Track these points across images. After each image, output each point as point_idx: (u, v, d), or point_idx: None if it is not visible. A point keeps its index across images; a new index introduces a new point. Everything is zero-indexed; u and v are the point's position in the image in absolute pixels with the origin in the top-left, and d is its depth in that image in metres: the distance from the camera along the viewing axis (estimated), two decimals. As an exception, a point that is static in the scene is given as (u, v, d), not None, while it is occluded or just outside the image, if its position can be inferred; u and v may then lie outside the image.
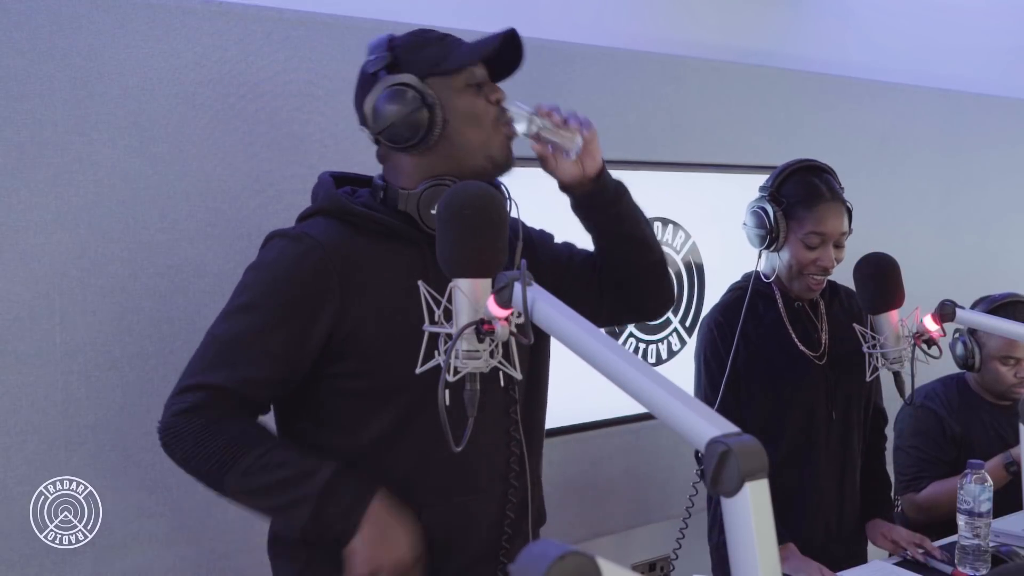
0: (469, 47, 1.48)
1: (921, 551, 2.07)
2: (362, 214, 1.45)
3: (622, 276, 1.63)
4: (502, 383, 1.50)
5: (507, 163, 1.51)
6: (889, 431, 2.45)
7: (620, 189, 1.61)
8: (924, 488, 2.49)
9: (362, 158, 2.10)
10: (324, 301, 1.40)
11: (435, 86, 1.43)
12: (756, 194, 2.17)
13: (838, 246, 2.09)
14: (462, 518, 1.50)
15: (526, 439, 1.55)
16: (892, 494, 2.52)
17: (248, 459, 1.34)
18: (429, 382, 1.30)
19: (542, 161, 1.54)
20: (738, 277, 2.27)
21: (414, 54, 1.45)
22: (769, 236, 2.09)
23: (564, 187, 1.58)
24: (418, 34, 1.51)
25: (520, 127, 1.48)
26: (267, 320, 1.40)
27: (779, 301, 2.16)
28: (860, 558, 2.19)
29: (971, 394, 2.62)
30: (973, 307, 2.53)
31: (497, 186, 1.51)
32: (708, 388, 2.15)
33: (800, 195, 2.08)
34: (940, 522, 2.32)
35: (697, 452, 2.19)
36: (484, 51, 1.47)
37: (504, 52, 1.48)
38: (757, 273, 2.18)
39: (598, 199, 1.57)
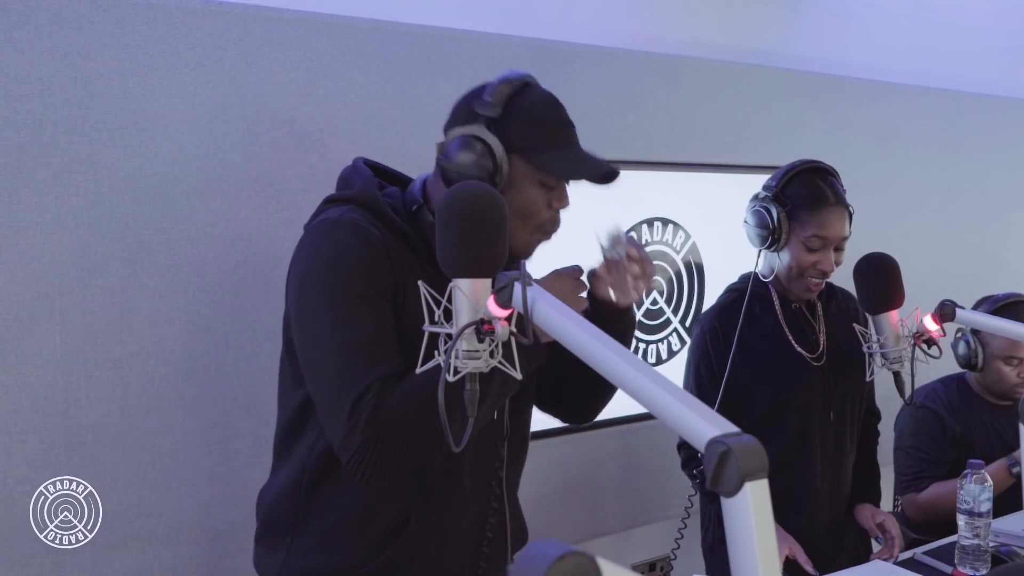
0: (565, 161, 1.46)
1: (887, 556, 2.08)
2: (392, 221, 1.45)
3: (577, 386, 1.66)
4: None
5: (525, 257, 1.51)
6: (887, 431, 2.45)
7: (632, 319, 1.61)
8: (925, 488, 2.49)
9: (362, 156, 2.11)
10: (394, 286, 1.40)
11: (515, 163, 1.43)
12: (756, 193, 2.17)
13: (838, 250, 2.09)
14: (445, 529, 1.51)
15: (511, 458, 1.57)
16: (893, 493, 2.53)
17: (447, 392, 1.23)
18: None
19: (595, 276, 1.54)
20: (736, 278, 2.27)
21: (521, 126, 1.43)
22: (771, 237, 2.09)
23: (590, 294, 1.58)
24: (541, 107, 1.47)
25: (606, 244, 1.51)
26: (382, 306, 1.39)
27: (776, 303, 2.16)
28: (854, 557, 2.19)
29: (972, 394, 2.62)
30: (976, 307, 2.53)
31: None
32: (696, 394, 2.15)
33: (804, 197, 2.08)
34: (941, 522, 2.32)
35: (679, 446, 2.20)
36: (575, 174, 1.48)
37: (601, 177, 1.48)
38: (755, 274, 2.18)
39: (610, 318, 1.56)
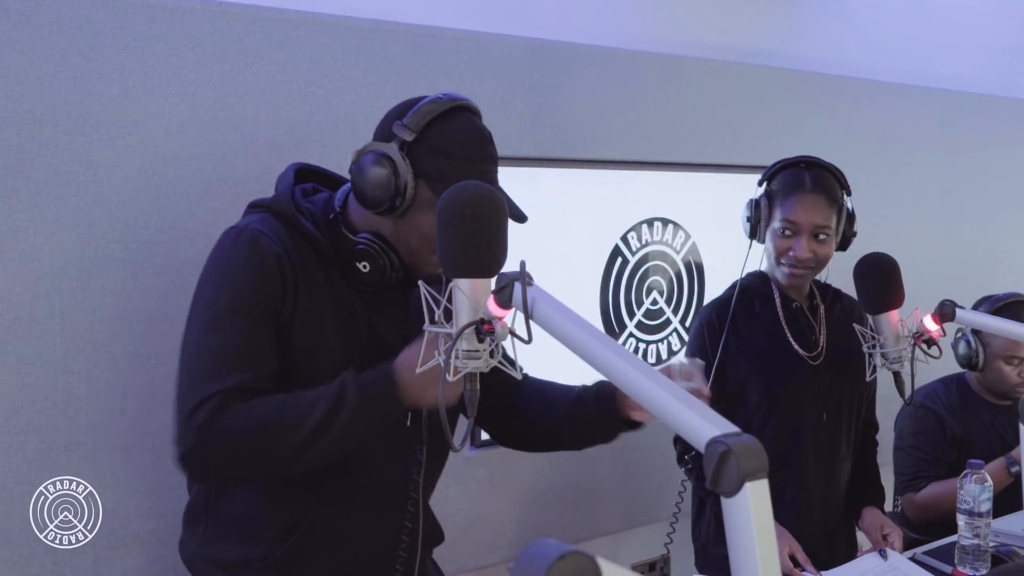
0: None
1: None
2: (307, 232, 1.48)
3: (542, 434, 1.69)
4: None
5: (425, 277, 1.50)
6: (887, 431, 2.45)
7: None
8: (924, 488, 2.49)
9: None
10: (283, 298, 1.44)
11: (421, 188, 1.44)
12: (756, 192, 2.18)
13: (818, 239, 2.08)
14: (347, 530, 1.54)
15: (429, 463, 1.59)
16: (893, 493, 2.52)
17: (288, 420, 1.35)
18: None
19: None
20: (737, 276, 2.27)
21: (434, 155, 1.44)
22: (751, 224, 2.12)
23: (601, 397, 1.58)
24: (460, 139, 1.46)
25: (681, 378, 1.48)
26: (256, 319, 1.42)
27: (777, 299, 2.17)
28: (846, 557, 2.19)
29: (971, 394, 2.62)
30: (976, 307, 2.53)
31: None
32: None
33: (782, 185, 2.11)
34: (940, 522, 2.32)
35: (675, 440, 2.20)
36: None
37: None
38: (756, 270, 2.19)
39: (625, 428, 1.58)
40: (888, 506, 2.40)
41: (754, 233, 2.13)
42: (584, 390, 1.63)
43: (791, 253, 2.08)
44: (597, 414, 1.58)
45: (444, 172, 1.43)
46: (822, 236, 2.08)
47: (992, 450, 2.47)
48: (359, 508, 1.55)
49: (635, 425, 1.56)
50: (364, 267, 1.47)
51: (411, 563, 1.61)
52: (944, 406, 2.58)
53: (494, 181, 1.50)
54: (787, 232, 2.08)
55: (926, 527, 2.43)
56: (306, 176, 1.62)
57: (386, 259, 1.47)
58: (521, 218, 1.48)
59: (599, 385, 1.60)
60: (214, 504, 1.57)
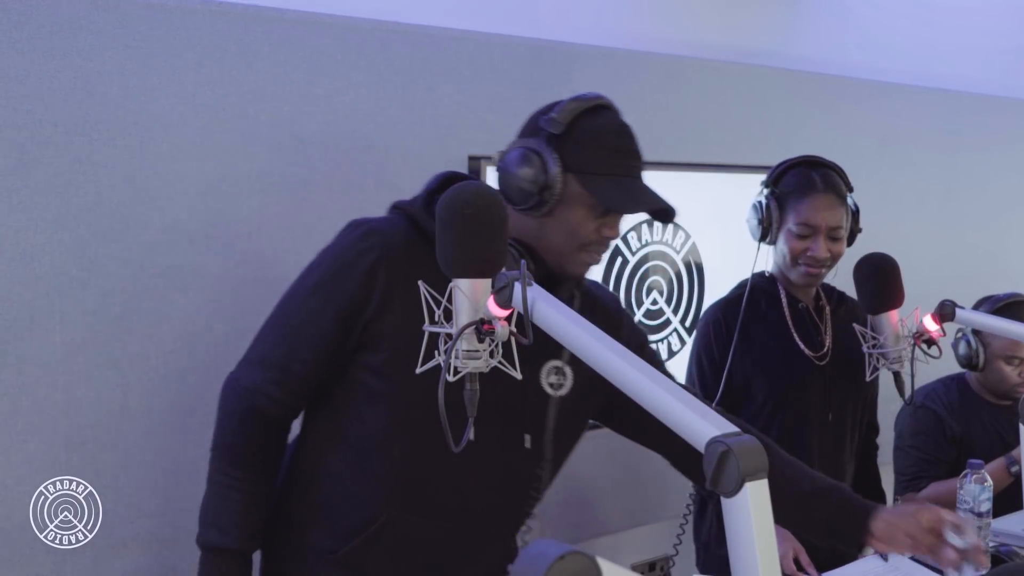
0: (624, 191, 1.46)
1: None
2: (431, 233, 1.43)
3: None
4: (528, 444, 1.52)
5: (574, 278, 1.52)
6: (887, 431, 2.44)
7: None
8: (924, 488, 2.49)
9: (362, 157, 2.12)
10: (369, 298, 1.44)
11: (570, 183, 1.43)
12: (759, 194, 2.18)
13: (833, 239, 2.09)
14: (453, 540, 1.51)
15: (528, 497, 1.57)
16: (893, 493, 2.52)
17: (218, 476, 1.50)
18: (433, 403, 1.33)
19: (937, 552, 1.51)
20: (739, 277, 2.27)
21: (582, 148, 1.43)
22: (762, 227, 2.11)
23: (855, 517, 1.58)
24: (606, 132, 1.47)
25: (956, 540, 1.47)
26: (324, 306, 1.46)
27: (783, 300, 2.17)
28: (850, 558, 2.18)
29: (971, 394, 2.61)
30: (976, 307, 2.53)
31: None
32: (697, 384, 2.17)
33: (793, 185, 2.10)
34: None
35: None
36: (626, 208, 1.48)
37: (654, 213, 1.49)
38: (761, 271, 2.19)
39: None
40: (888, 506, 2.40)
41: (765, 235, 2.12)
42: (832, 493, 1.61)
43: (809, 253, 2.07)
44: (837, 530, 1.58)
45: (594, 165, 1.43)
46: (837, 235, 2.08)
47: (992, 450, 2.46)
48: (451, 523, 1.51)
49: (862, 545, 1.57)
50: None
51: None
52: (944, 406, 2.58)
53: (640, 177, 1.49)
54: (804, 233, 2.07)
55: None
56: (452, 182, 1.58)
57: (519, 260, 1.41)
58: (669, 214, 1.48)
59: (849, 501, 1.59)
60: (297, 486, 1.56)
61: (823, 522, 1.61)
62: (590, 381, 1.38)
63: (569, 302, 1.52)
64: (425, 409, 1.39)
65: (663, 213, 1.49)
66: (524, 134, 1.49)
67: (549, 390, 1.52)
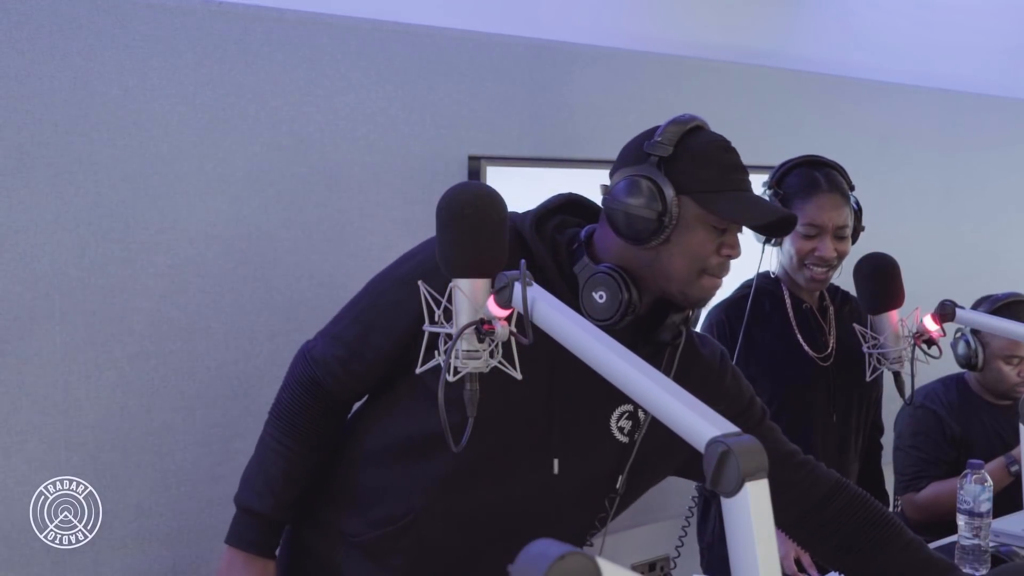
0: (737, 204, 1.41)
1: None
2: (532, 250, 1.42)
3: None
4: (556, 469, 1.49)
5: (697, 305, 1.48)
6: (888, 432, 2.44)
7: None
8: (924, 488, 2.49)
9: (362, 157, 2.12)
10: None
11: (686, 206, 1.38)
12: (760, 191, 2.17)
13: (839, 238, 2.09)
14: (482, 560, 1.48)
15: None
16: (893, 493, 2.52)
17: (268, 440, 1.52)
18: (493, 423, 1.34)
19: None
20: (739, 277, 2.27)
21: (693, 167, 1.40)
22: None
23: None
24: (713, 149, 1.44)
25: None
26: (408, 301, 1.38)
27: (787, 301, 2.16)
28: None
29: (971, 394, 2.61)
30: (975, 307, 2.53)
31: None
32: None
33: (798, 186, 2.09)
34: (939, 522, 2.32)
35: None
36: (747, 219, 1.43)
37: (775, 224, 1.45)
38: (765, 271, 2.18)
39: None
40: (889, 507, 2.40)
41: (770, 237, 2.11)
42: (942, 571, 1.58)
43: (816, 254, 2.07)
44: None
45: (708, 183, 1.39)
46: (843, 234, 2.08)
47: (992, 450, 2.46)
48: (463, 533, 1.49)
49: None
50: (600, 297, 1.38)
51: None
52: (944, 406, 2.58)
53: (751, 190, 1.46)
54: (810, 234, 2.07)
55: (927, 527, 2.42)
56: (576, 209, 1.54)
57: (627, 292, 1.37)
58: (790, 222, 1.45)
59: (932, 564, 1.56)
60: (338, 463, 1.56)
61: None
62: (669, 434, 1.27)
63: (674, 345, 1.48)
64: (481, 424, 1.34)
65: (785, 223, 1.44)
66: (626, 163, 1.43)
67: (619, 435, 1.49)
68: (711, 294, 1.46)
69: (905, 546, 1.58)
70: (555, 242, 1.45)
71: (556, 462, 1.47)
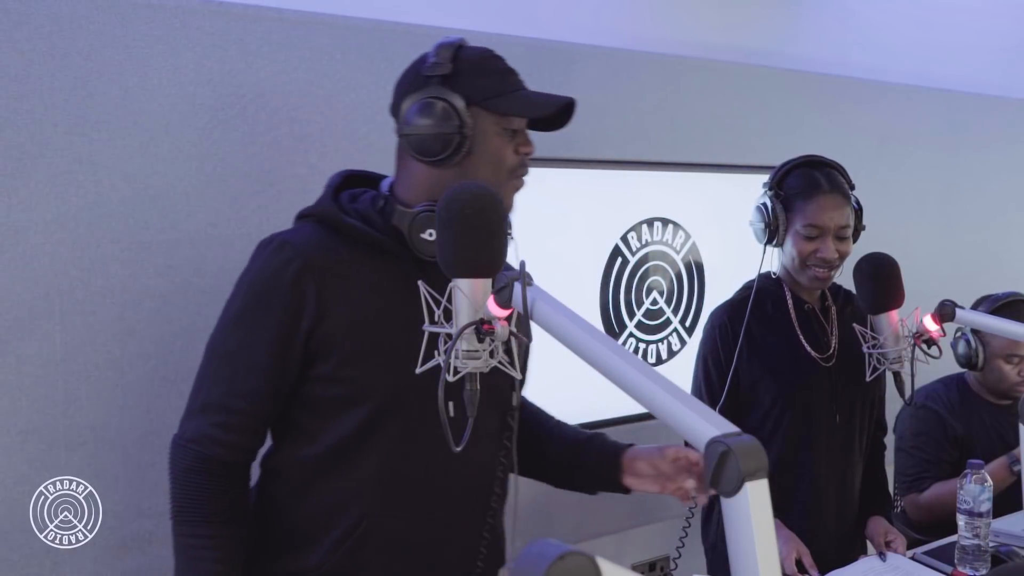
0: (523, 100, 1.48)
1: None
2: (350, 228, 1.47)
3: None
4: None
5: (511, 207, 1.52)
6: (889, 435, 2.44)
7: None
8: (927, 489, 2.48)
9: (362, 157, 2.11)
10: (302, 309, 1.43)
11: (476, 116, 1.44)
12: (758, 193, 2.17)
13: (841, 238, 2.09)
14: (431, 533, 1.51)
15: (492, 479, 1.55)
16: (893, 493, 2.51)
17: (185, 541, 1.47)
18: (396, 393, 1.42)
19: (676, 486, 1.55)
20: (739, 277, 2.27)
21: (473, 77, 1.45)
22: (768, 229, 2.10)
23: (604, 456, 1.64)
24: (486, 58, 1.50)
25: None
26: (255, 332, 1.44)
27: (789, 302, 2.16)
28: (849, 558, 2.18)
29: (971, 394, 2.61)
30: (975, 307, 2.53)
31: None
32: (704, 386, 2.16)
33: (799, 187, 2.09)
34: (943, 522, 2.32)
35: (685, 443, 2.19)
36: (536, 111, 1.48)
37: (555, 116, 1.49)
38: (767, 272, 2.18)
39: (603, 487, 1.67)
40: (892, 508, 2.39)
41: (772, 238, 2.11)
42: (590, 441, 1.65)
43: (818, 255, 2.07)
44: (595, 472, 1.63)
45: (491, 88, 1.45)
46: (844, 234, 2.08)
47: (993, 450, 2.46)
48: (416, 515, 1.50)
49: (625, 489, 1.61)
50: (430, 235, 1.42)
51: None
52: (945, 406, 2.57)
53: (526, 86, 1.51)
54: (812, 235, 2.07)
55: (930, 528, 2.42)
56: (356, 182, 1.59)
57: None
58: (571, 107, 1.48)
59: (604, 443, 1.64)
60: (269, 511, 1.53)
61: (590, 469, 1.65)
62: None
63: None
64: (389, 403, 1.44)
65: (567, 109, 1.49)
66: (408, 91, 1.46)
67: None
68: (515, 196, 1.52)
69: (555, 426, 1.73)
70: (359, 212, 1.49)
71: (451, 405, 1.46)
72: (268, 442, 1.56)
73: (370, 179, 1.60)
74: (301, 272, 1.42)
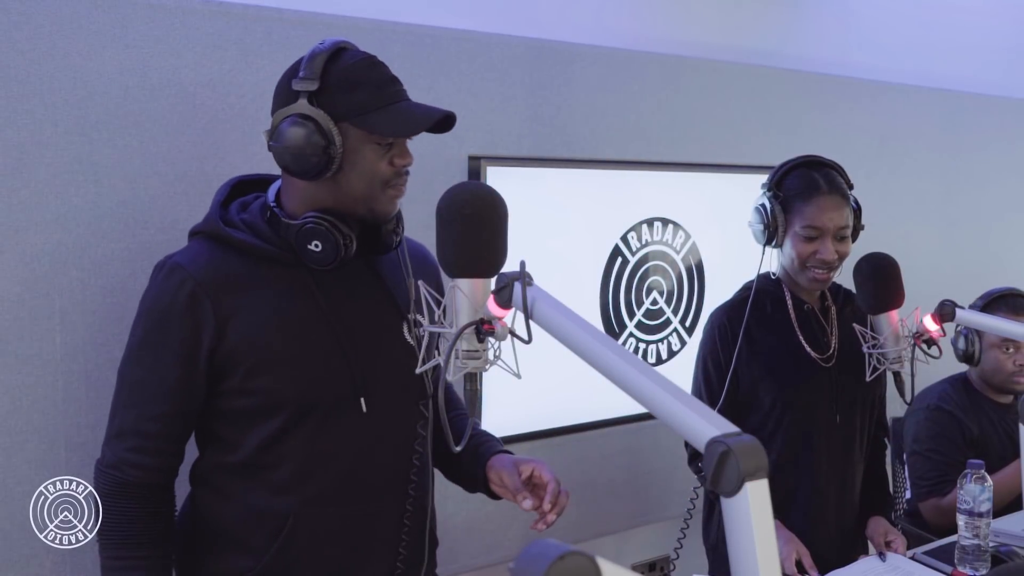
0: (393, 117, 1.45)
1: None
2: (237, 241, 1.48)
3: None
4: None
5: (388, 217, 1.52)
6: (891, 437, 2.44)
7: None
8: (948, 493, 2.46)
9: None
10: (201, 330, 1.44)
11: (347, 131, 1.43)
12: (757, 193, 2.17)
13: (840, 239, 2.09)
14: (355, 521, 1.54)
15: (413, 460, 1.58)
16: (912, 499, 2.50)
17: (112, 563, 1.50)
18: (306, 397, 1.45)
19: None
20: (739, 277, 2.27)
21: (343, 93, 1.43)
22: (767, 231, 2.10)
23: (477, 460, 1.66)
24: (360, 69, 1.46)
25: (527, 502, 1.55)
26: (158, 357, 1.46)
27: (788, 302, 2.16)
28: (849, 559, 2.18)
29: (976, 393, 2.61)
30: (972, 305, 2.54)
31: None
32: (703, 387, 2.16)
33: (797, 188, 2.09)
34: None
35: (686, 443, 2.19)
36: (405, 129, 1.47)
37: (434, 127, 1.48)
38: (766, 273, 2.18)
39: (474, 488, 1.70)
40: (893, 510, 2.38)
41: (771, 239, 2.11)
42: (470, 440, 1.65)
43: (818, 256, 2.07)
44: (468, 472, 1.66)
45: (361, 104, 1.42)
46: (843, 235, 2.09)
47: (1004, 449, 2.46)
48: (352, 506, 1.53)
49: (494, 494, 1.63)
50: (316, 247, 1.44)
51: (416, 562, 1.60)
52: (959, 407, 2.56)
53: (407, 98, 1.49)
54: (811, 236, 2.07)
55: (949, 532, 2.39)
56: (247, 187, 1.61)
57: (336, 231, 1.45)
58: (450, 120, 1.48)
59: (478, 445, 1.66)
60: (200, 516, 1.57)
61: (464, 469, 1.68)
62: None
63: (398, 242, 1.55)
64: (300, 407, 1.46)
65: (443, 124, 1.48)
66: (280, 104, 1.46)
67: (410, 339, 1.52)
68: (395, 205, 1.52)
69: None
70: (247, 223, 1.50)
71: (363, 401, 1.50)
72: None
73: (261, 182, 1.61)
74: (194, 294, 1.44)
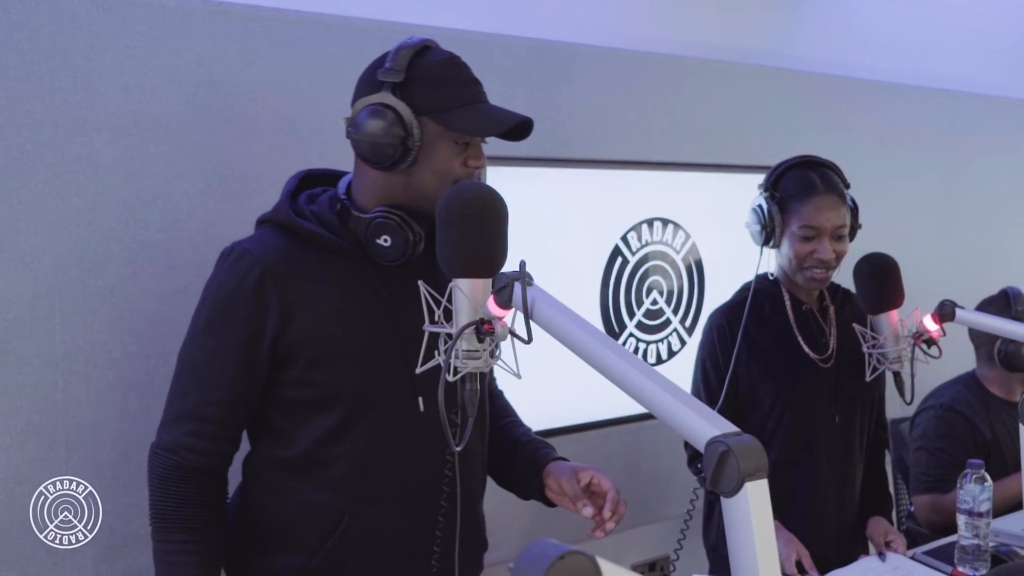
0: (473, 117, 1.46)
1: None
2: (307, 232, 1.48)
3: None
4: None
5: None
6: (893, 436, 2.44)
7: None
8: (950, 492, 2.45)
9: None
10: (266, 317, 1.44)
11: (426, 125, 1.44)
12: (756, 193, 2.17)
13: (838, 239, 2.08)
14: (407, 523, 1.53)
15: (463, 463, 1.56)
16: (910, 494, 2.50)
17: (164, 547, 1.48)
18: (366, 393, 1.45)
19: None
20: (739, 277, 2.27)
21: (426, 88, 1.44)
22: (765, 231, 2.10)
23: (532, 467, 1.65)
24: (445, 67, 1.47)
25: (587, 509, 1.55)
26: (221, 342, 1.46)
27: (787, 303, 2.16)
28: (849, 559, 2.18)
29: (987, 394, 2.61)
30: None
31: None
32: (703, 389, 2.16)
33: (794, 188, 2.09)
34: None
35: (686, 443, 2.20)
36: (484, 130, 1.47)
37: (512, 130, 1.48)
38: (764, 273, 2.18)
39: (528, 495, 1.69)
40: (893, 508, 2.38)
41: (768, 240, 2.11)
42: (523, 448, 1.66)
43: (815, 256, 2.07)
44: (524, 479, 1.65)
45: (443, 101, 1.43)
46: (841, 234, 2.09)
47: (1017, 450, 2.46)
48: (393, 507, 1.52)
49: (549, 502, 1.62)
50: (385, 241, 1.45)
51: (448, 565, 1.58)
52: (973, 410, 2.55)
53: (487, 100, 1.50)
54: (809, 236, 2.07)
55: (943, 530, 2.39)
56: (315, 181, 1.60)
57: (406, 226, 1.45)
58: (527, 126, 1.47)
59: (534, 452, 1.65)
60: (249, 511, 1.56)
61: (518, 475, 1.68)
62: None
63: None
64: (358, 404, 1.46)
65: (520, 129, 1.48)
66: (363, 94, 1.47)
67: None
68: None
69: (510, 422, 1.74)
70: (317, 215, 1.50)
71: (420, 400, 1.50)
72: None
73: (329, 176, 1.61)
74: (262, 281, 1.44)
